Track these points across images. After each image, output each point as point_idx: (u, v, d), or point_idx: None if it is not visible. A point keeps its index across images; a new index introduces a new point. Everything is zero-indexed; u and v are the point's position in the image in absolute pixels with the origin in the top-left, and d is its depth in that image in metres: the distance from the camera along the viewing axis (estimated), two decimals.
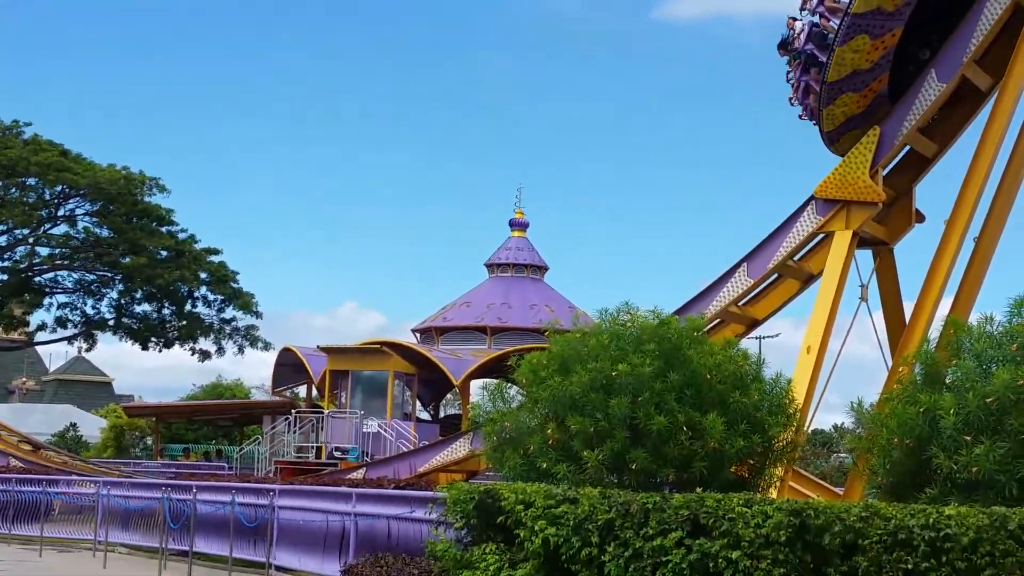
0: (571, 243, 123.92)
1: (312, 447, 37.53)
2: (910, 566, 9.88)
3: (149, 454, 53.94)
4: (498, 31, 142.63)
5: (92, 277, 49.59)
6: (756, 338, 50.81)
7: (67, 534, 26.26)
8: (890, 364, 20.84)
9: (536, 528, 12.31)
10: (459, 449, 30.20)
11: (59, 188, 46.80)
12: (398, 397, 39.31)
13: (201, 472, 39.80)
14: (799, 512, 10.64)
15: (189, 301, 49.23)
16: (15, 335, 57.19)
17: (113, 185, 45.90)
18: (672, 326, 14.34)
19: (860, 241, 21.32)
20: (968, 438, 10.96)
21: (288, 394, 48.27)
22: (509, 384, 15.83)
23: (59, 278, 49.90)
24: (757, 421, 13.80)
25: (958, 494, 10.92)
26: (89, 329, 50.54)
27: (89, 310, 50.12)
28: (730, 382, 13.91)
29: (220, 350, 50.10)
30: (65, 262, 48.88)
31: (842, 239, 20.79)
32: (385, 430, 36.88)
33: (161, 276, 46.70)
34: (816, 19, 20.68)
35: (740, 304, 22.80)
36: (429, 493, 16.82)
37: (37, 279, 49.33)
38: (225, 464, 46.26)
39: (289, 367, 43.97)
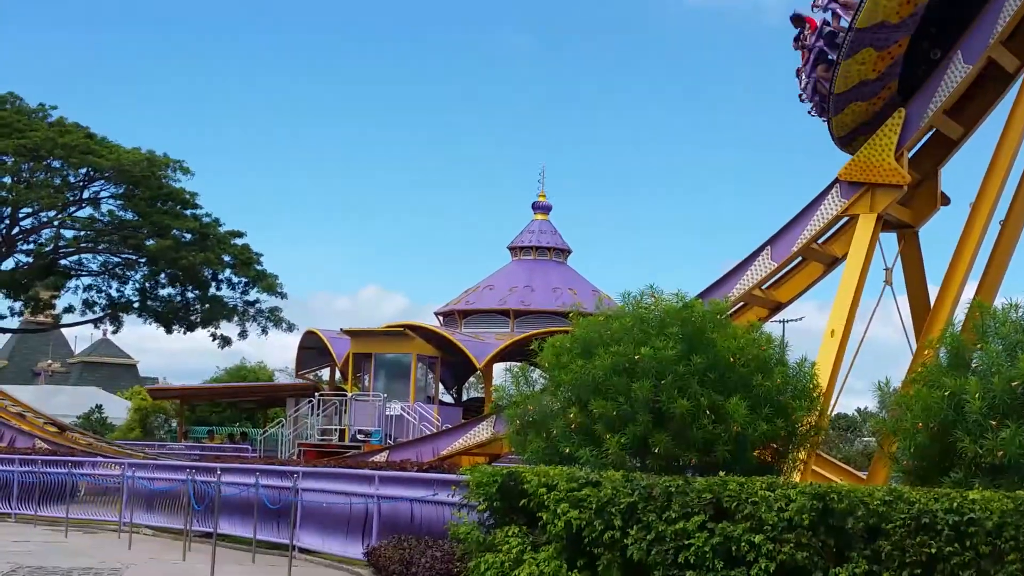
0: (594, 226, 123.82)
1: (335, 430, 37.66)
2: (934, 550, 9.85)
3: (174, 436, 54.26)
4: (522, 11, 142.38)
5: (117, 260, 49.85)
6: (780, 321, 50.66)
7: (92, 515, 26.39)
8: (915, 348, 20.77)
9: (559, 511, 12.33)
10: (482, 432, 30.21)
11: (84, 171, 47.02)
12: (421, 380, 39.40)
13: (225, 454, 40.07)
14: (822, 496, 10.62)
15: (213, 284, 49.44)
16: (42, 317, 57.60)
17: (137, 167, 46.07)
18: (695, 309, 14.31)
19: (885, 224, 21.22)
20: (993, 422, 10.91)
21: (311, 377, 48.44)
22: (532, 367, 15.79)
23: (84, 261, 50.20)
24: (780, 405, 13.77)
25: (983, 478, 10.87)
26: (114, 312, 50.82)
27: (114, 293, 50.41)
28: (753, 365, 13.88)
29: (243, 333, 50.34)
30: (90, 245, 49.13)
31: (867, 222, 20.69)
32: (408, 413, 36.97)
33: (186, 259, 46.90)
34: (828, 16, 20.57)
35: (764, 287, 22.74)
36: (452, 476, 16.84)
37: (62, 262, 49.61)
38: (249, 447, 46.50)
39: (313, 350, 44.14)
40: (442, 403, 41.41)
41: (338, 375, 43.67)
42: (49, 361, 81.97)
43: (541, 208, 46.10)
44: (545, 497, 12.57)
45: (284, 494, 20.21)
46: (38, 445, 33.57)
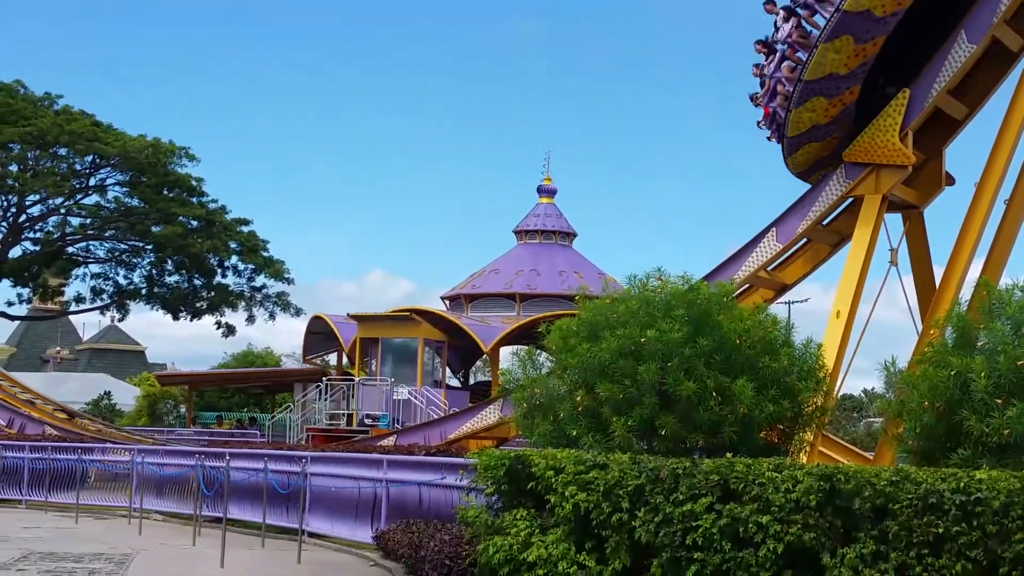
0: (600, 209, 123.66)
1: (343, 414, 37.72)
2: (941, 530, 9.87)
3: (182, 422, 54.39)
4: None
5: (124, 247, 49.94)
6: (785, 303, 50.85)
7: (102, 501, 26.50)
8: (920, 328, 20.78)
9: (567, 494, 12.36)
10: (489, 416, 30.29)
11: (90, 158, 47.07)
12: (428, 364, 39.45)
13: (234, 440, 40.18)
14: (829, 477, 10.64)
15: (219, 272, 49.52)
16: (50, 304, 57.73)
17: (143, 154, 46.10)
18: (701, 291, 14.31)
19: (890, 205, 21.22)
20: (999, 401, 10.92)
21: (319, 362, 48.52)
22: (539, 351, 15.80)
23: (91, 248, 50.31)
24: (787, 386, 13.78)
25: (989, 457, 10.88)
26: (121, 299, 50.92)
27: (121, 280, 50.51)
28: (759, 347, 13.88)
29: (251, 318, 50.48)
30: (96, 232, 49.22)
31: (872, 203, 20.69)
32: (415, 397, 37.04)
33: (193, 246, 46.97)
34: (785, 48, 20.82)
35: (769, 269, 22.77)
36: (460, 460, 16.89)
37: (69, 249, 49.71)
38: (257, 432, 46.61)
39: (320, 335, 44.19)
40: (449, 387, 41.48)
41: (345, 360, 43.72)
42: (57, 348, 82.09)
43: (546, 192, 46.04)
44: (553, 480, 12.61)
45: (293, 479, 20.30)
46: (48, 432, 33.66)
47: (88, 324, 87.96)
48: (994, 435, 10.83)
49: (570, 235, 45.39)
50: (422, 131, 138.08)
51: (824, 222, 22.05)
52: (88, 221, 49.10)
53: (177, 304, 49.94)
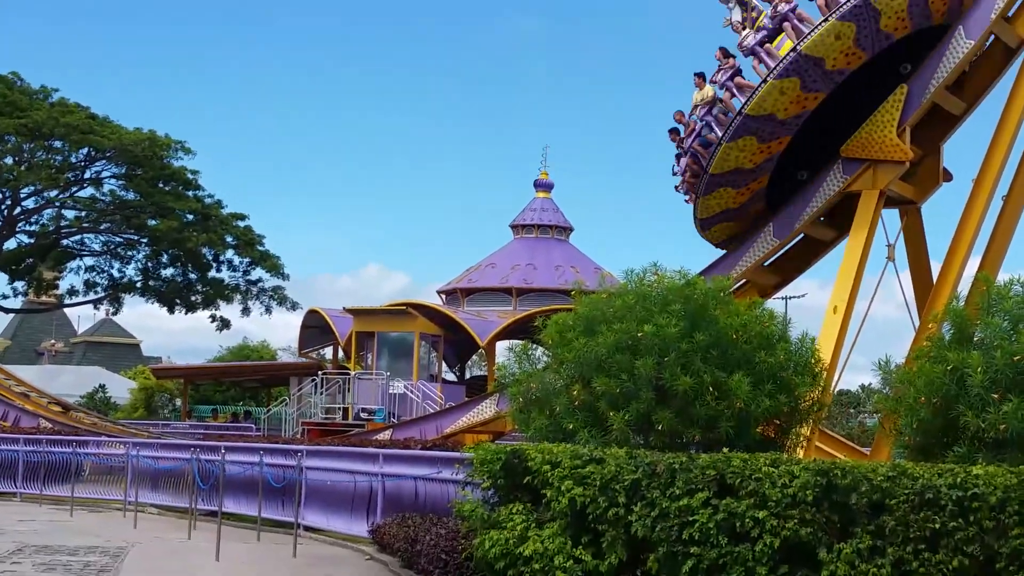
0: (598, 208, 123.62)
1: (339, 408, 37.70)
2: (937, 526, 9.86)
3: (177, 415, 54.33)
4: None
5: (119, 240, 49.86)
6: (782, 298, 50.80)
7: (97, 494, 26.50)
8: (917, 324, 20.77)
9: (563, 488, 12.34)
10: (485, 410, 30.28)
11: (85, 151, 46.97)
12: (424, 358, 39.41)
13: (229, 433, 40.12)
14: (826, 472, 10.62)
15: (214, 266, 49.46)
16: (44, 297, 57.62)
17: (138, 147, 46.01)
18: (698, 286, 14.29)
19: (887, 200, 21.18)
20: (996, 396, 10.91)
21: (315, 356, 48.48)
22: (535, 345, 15.81)
23: (86, 241, 50.22)
24: (783, 381, 13.77)
25: (986, 453, 10.87)
26: (116, 292, 50.85)
27: (116, 273, 50.43)
28: (756, 342, 13.88)
29: (246, 310, 50.41)
30: (91, 225, 49.14)
31: (869, 199, 20.65)
32: (411, 391, 37.02)
33: (189, 239, 46.90)
34: (723, 92, 21.52)
35: (766, 264, 22.73)
36: (456, 454, 16.86)
37: (64, 242, 49.63)
38: (253, 425, 46.55)
39: (315, 329, 44.15)
40: (445, 381, 41.44)
41: (341, 354, 43.69)
42: (52, 341, 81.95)
43: (543, 186, 45.99)
44: (549, 474, 12.59)
45: (288, 472, 20.27)
46: (43, 425, 33.64)
47: (83, 317, 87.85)
48: (991, 430, 10.82)
49: (567, 230, 45.35)
50: (422, 130, 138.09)
51: (821, 218, 22.02)
52: (83, 214, 48.99)
53: (172, 297, 49.87)
